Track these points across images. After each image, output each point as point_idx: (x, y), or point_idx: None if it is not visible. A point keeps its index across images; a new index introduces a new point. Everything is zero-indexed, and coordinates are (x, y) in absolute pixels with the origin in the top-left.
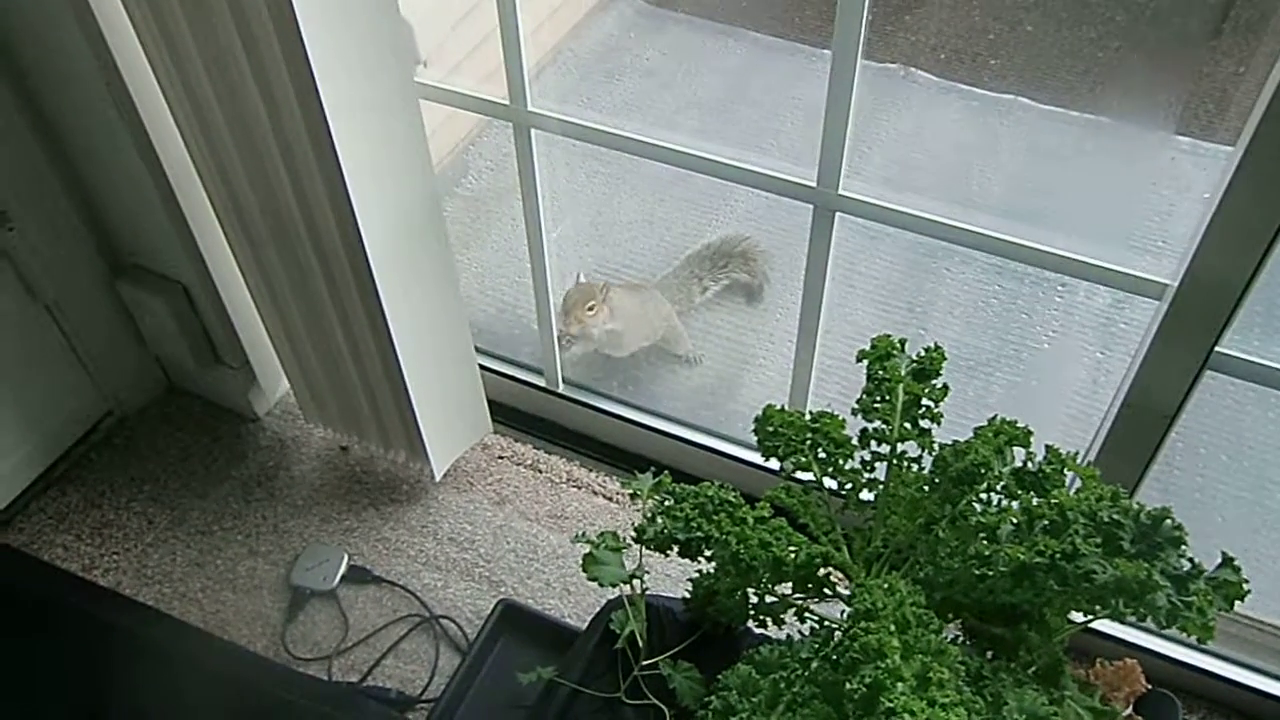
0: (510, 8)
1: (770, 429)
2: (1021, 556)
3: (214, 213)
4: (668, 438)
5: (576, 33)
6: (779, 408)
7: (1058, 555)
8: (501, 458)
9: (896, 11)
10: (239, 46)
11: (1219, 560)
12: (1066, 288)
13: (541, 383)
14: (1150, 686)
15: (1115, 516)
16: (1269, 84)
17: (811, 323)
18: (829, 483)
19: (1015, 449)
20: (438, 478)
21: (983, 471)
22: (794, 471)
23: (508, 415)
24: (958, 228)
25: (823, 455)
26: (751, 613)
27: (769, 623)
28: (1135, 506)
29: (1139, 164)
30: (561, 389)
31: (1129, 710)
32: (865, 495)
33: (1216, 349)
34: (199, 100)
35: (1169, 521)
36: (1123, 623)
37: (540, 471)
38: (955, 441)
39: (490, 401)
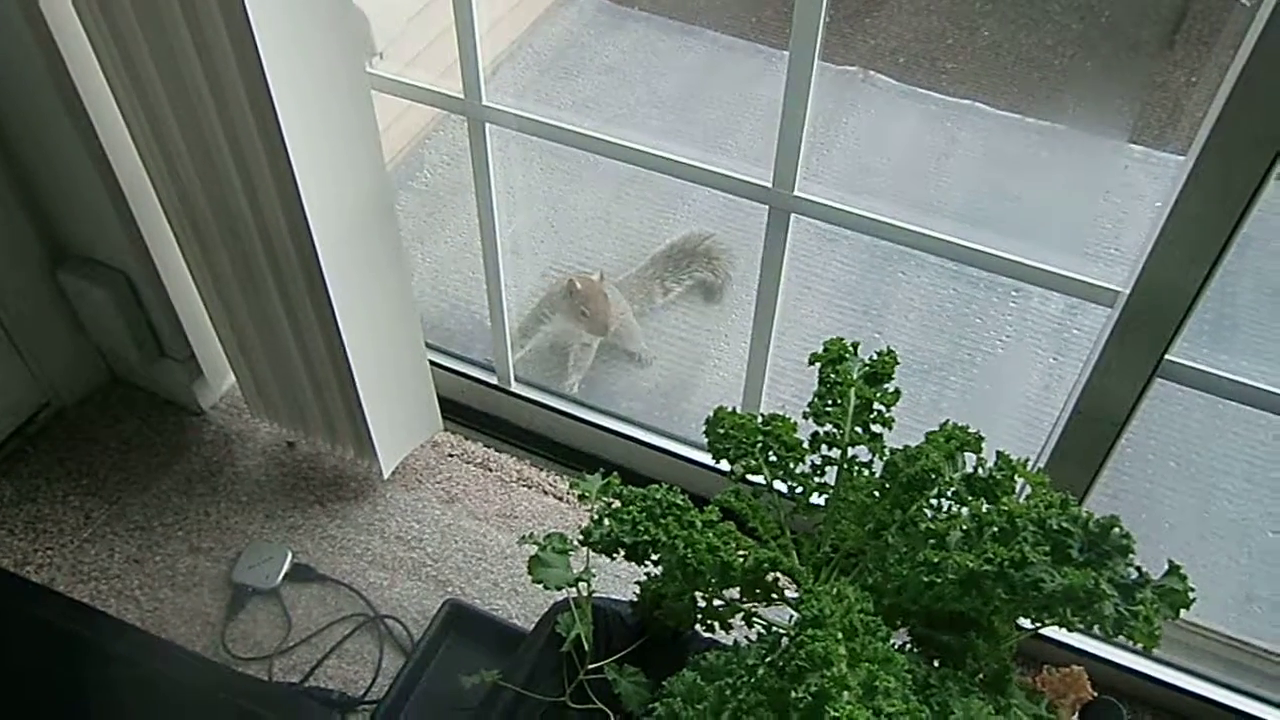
0: (466, 2)
1: (721, 431)
2: (970, 564)
3: (159, 203)
4: (620, 437)
5: (536, 28)
6: (730, 410)
7: (1006, 564)
8: (451, 456)
9: (856, 14)
10: (185, 33)
11: (1165, 568)
12: (1021, 293)
13: (493, 380)
14: (1096, 694)
15: (1064, 524)
16: (1219, 95)
17: (765, 324)
18: (780, 486)
19: (967, 454)
20: (386, 475)
21: (933, 477)
22: (745, 475)
23: (458, 412)
24: (913, 231)
25: (774, 459)
26: (699, 617)
27: (716, 627)
28: (1084, 515)
29: (1093, 171)
30: (513, 387)
31: (1075, 717)
32: (816, 499)
33: (1167, 357)
34: (144, 88)
35: (1117, 530)
36: (1070, 630)
37: (490, 470)
38: (906, 446)
39: (441, 399)
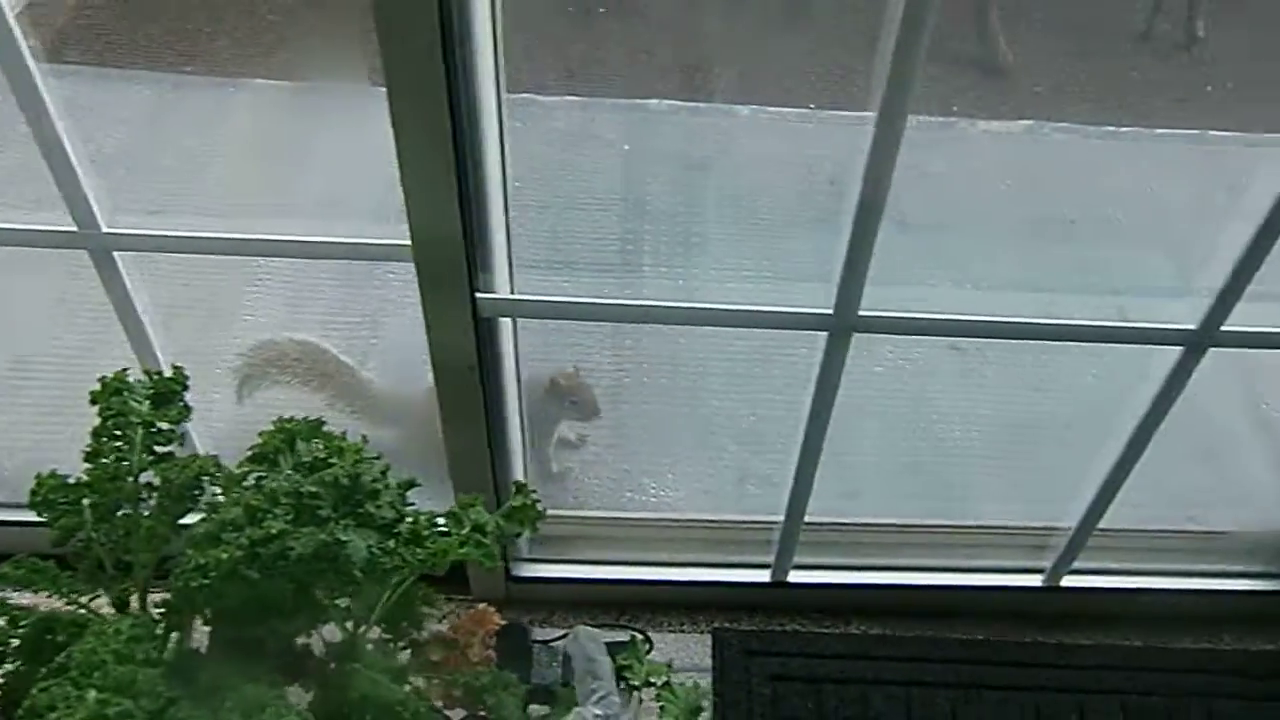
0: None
1: (39, 498)
2: (223, 555)
3: None
4: None
5: None
6: (50, 473)
7: (255, 543)
8: None
9: None
10: None
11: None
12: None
13: None
14: (504, 622)
15: (312, 489)
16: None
17: None
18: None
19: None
20: None
21: (202, 481)
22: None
23: None
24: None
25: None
26: None
27: None
28: (338, 474)
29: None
30: None
31: (490, 649)
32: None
33: (478, 294)
34: None
35: (365, 478)
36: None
37: None
38: (177, 458)
39: None
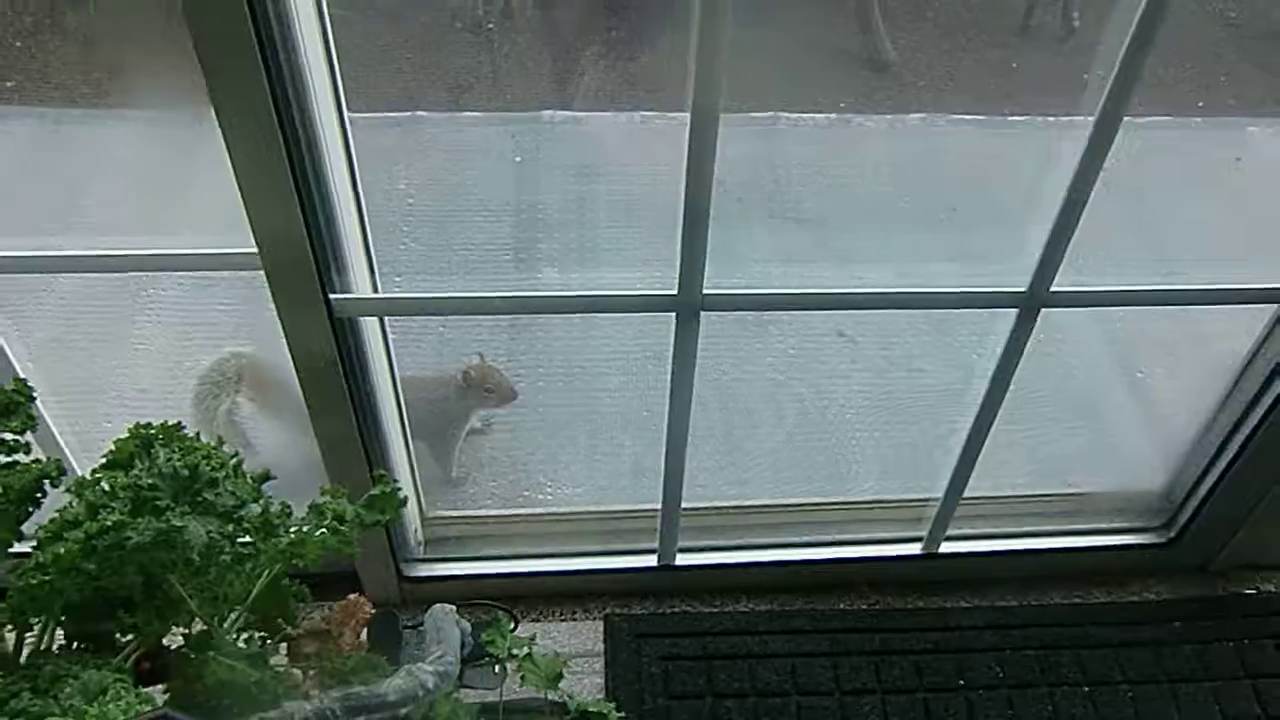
0: None
1: None
2: (60, 551)
3: None
4: None
5: None
6: None
7: (92, 536)
8: None
9: None
10: None
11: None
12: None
13: None
14: (374, 611)
15: (150, 480)
16: None
17: None
18: None
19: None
20: None
21: (44, 484)
22: None
23: None
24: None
25: None
26: None
27: None
28: (175, 465)
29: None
30: None
31: (363, 636)
32: None
33: (332, 296)
34: None
35: (203, 468)
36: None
37: None
38: (19, 464)
39: None
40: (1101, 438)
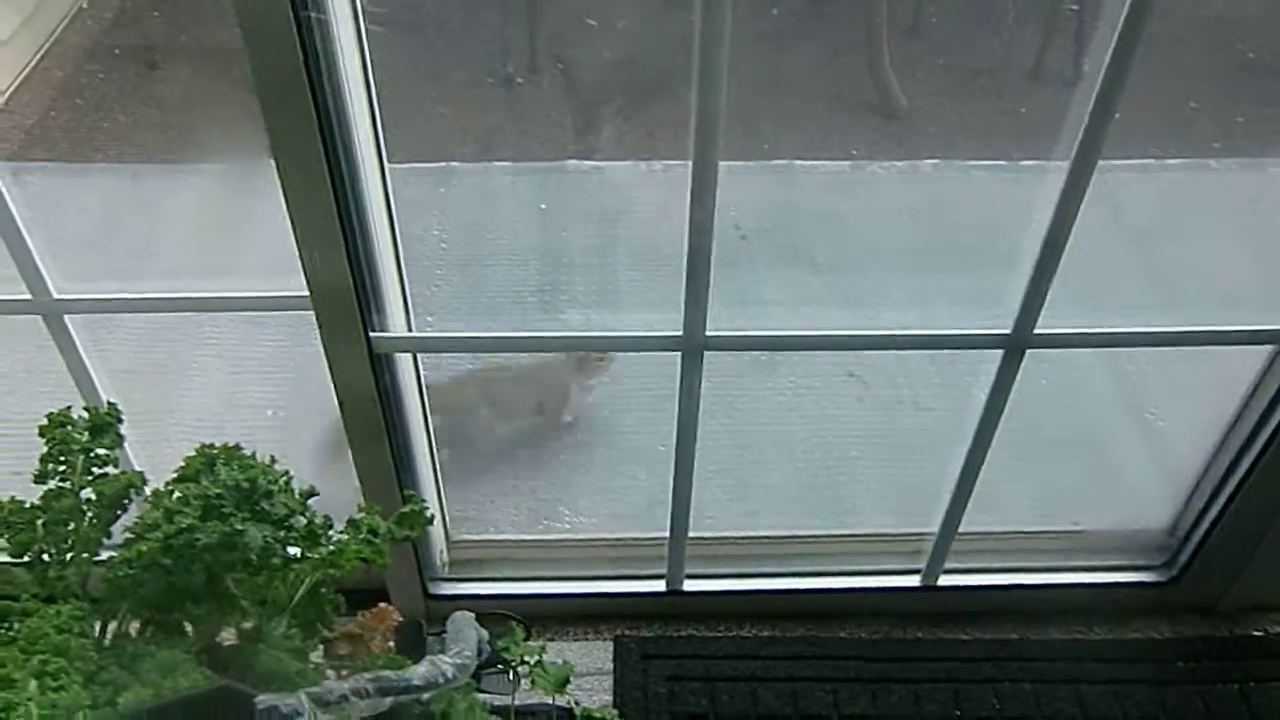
0: None
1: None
2: (144, 548)
3: None
4: None
5: None
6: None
7: (170, 537)
8: None
9: None
10: None
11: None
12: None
13: None
14: (402, 619)
15: (217, 491)
16: None
17: None
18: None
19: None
20: None
21: (130, 492)
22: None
23: None
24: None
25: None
26: None
27: None
28: (238, 479)
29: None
30: None
31: (390, 642)
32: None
33: (372, 335)
34: None
35: (261, 480)
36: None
37: None
38: (111, 473)
39: None
40: (1108, 474)
